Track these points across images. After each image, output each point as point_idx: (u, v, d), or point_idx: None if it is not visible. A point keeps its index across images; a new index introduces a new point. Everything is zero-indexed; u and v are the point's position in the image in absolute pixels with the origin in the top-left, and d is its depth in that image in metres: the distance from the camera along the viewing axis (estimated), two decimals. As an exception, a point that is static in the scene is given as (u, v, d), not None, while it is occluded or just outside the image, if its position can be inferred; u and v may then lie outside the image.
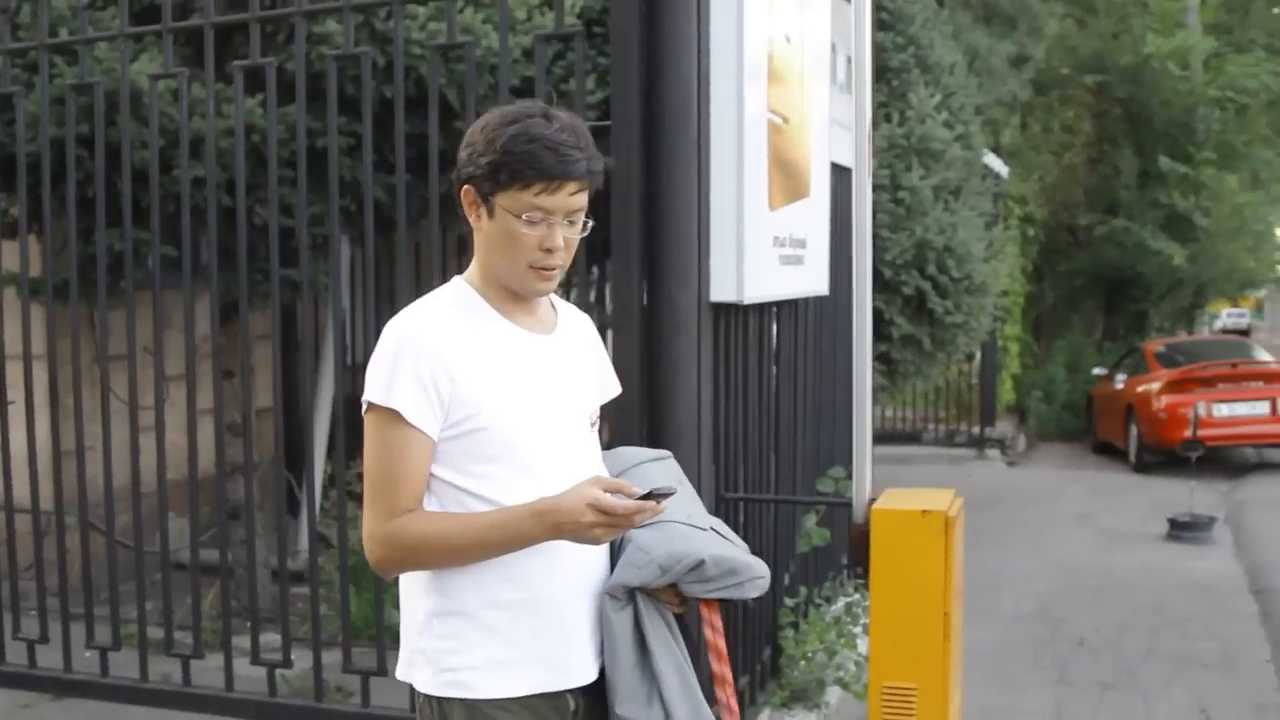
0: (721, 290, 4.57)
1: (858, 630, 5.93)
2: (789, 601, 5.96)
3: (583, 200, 2.63)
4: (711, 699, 2.85)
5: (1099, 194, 22.20)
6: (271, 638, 5.93)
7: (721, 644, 2.93)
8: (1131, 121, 22.17)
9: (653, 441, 4.44)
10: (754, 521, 5.49)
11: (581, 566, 2.70)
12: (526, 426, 2.64)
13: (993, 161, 15.49)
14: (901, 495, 4.49)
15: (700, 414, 4.49)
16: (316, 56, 5.61)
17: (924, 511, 4.10)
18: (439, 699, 2.66)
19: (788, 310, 5.63)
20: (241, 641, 5.60)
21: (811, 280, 5.53)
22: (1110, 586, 9.45)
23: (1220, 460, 17.46)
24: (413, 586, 2.72)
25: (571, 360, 2.81)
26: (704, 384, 4.50)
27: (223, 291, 5.50)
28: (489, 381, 2.61)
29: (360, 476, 2.79)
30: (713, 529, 2.86)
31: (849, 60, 6.73)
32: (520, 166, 2.55)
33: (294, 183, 5.31)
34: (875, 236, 7.76)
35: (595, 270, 7.87)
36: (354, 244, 7.61)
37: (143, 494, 5.46)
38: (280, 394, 5.24)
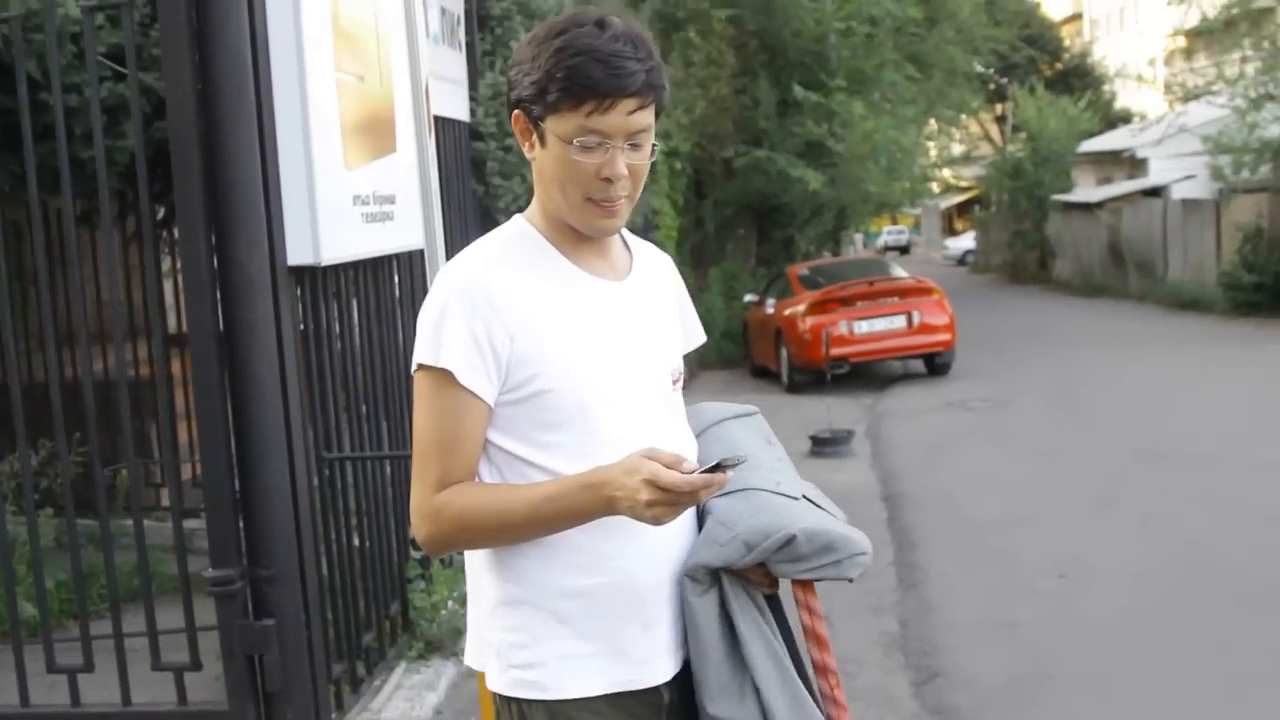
0: (298, 253, 4.57)
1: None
2: (415, 554, 6.02)
3: (646, 119, 2.27)
4: (815, 692, 2.49)
5: (744, 125, 22.82)
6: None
7: (822, 629, 2.54)
8: (768, 52, 22.84)
9: (236, 412, 4.44)
10: (370, 480, 5.53)
11: (665, 546, 2.38)
12: (599, 387, 2.33)
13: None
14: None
15: (285, 379, 4.49)
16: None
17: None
18: (516, 700, 2.37)
19: (385, 267, 5.66)
20: None
21: (405, 236, 5.57)
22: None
23: (868, 375, 18.35)
24: (478, 568, 2.42)
25: (650, 308, 2.50)
26: (287, 348, 4.50)
27: None
28: (554, 336, 2.30)
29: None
30: (805, 497, 2.50)
31: (442, 12, 6.79)
32: (568, 83, 2.21)
33: None
34: (485, 185, 7.85)
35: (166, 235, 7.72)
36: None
37: None
38: None
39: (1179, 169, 29.82)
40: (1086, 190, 36.44)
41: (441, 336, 2.25)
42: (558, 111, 2.23)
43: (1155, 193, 31.05)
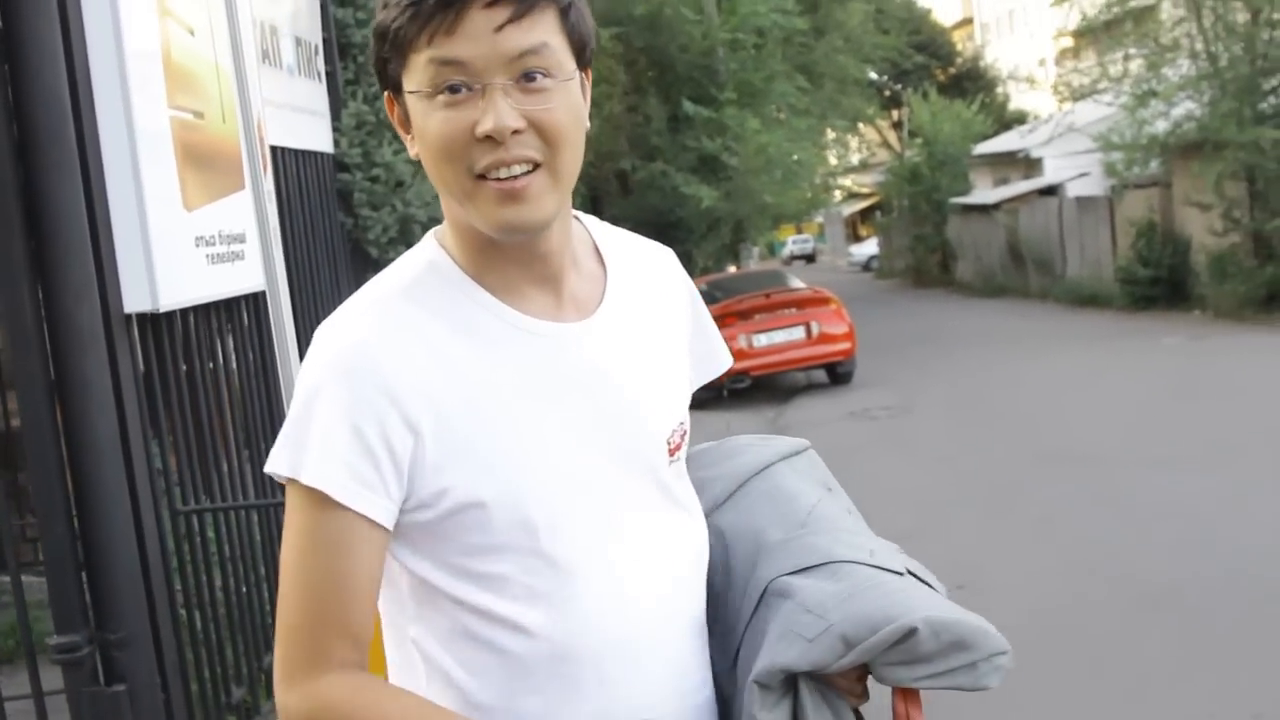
0: (135, 300, 4.39)
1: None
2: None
3: (531, 37, 1.56)
4: None
5: (638, 142, 22.81)
6: None
7: None
8: (657, 68, 22.87)
9: (74, 468, 4.24)
10: (236, 530, 5.33)
11: (653, 681, 1.73)
12: (551, 494, 1.66)
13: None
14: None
15: (126, 431, 4.30)
16: None
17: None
18: None
19: (240, 307, 5.48)
20: None
21: (259, 274, 5.39)
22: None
23: (770, 387, 18.35)
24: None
25: (634, 351, 1.77)
26: (126, 399, 4.31)
27: None
28: (480, 426, 1.63)
29: None
30: (910, 572, 1.79)
31: (298, 42, 6.62)
32: (402, 5, 1.57)
33: None
34: (354, 216, 7.68)
35: None
36: None
37: None
38: None
39: (1073, 167, 30.16)
40: (984, 192, 36.79)
41: (311, 437, 1.60)
42: (406, 58, 1.60)
43: (1051, 191, 31.39)
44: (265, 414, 5.71)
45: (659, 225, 23.61)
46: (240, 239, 5.20)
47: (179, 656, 4.66)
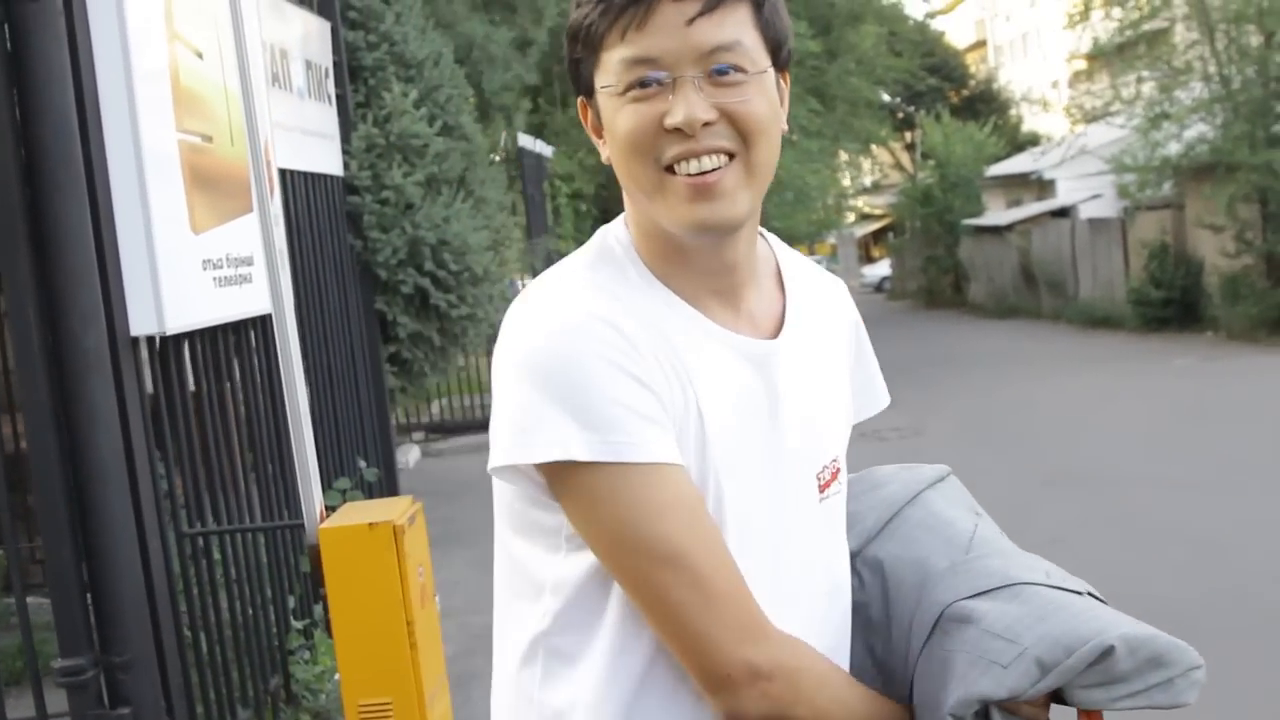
0: (141, 323, 4.40)
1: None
2: (297, 625, 5.84)
3: (724, 33, 1.52)
4: None
5: (651, 164, 22.83)
6: None
7: None
8: (666, 90, 22.87)
9: (80, 491, 4.24)
10: (240, 552, 5.34)
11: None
12: (735, 504, 1.61)
13: (532, 144, 15.71)
14: (356, 509, 4.46)
15: (132, 454, 4.30)
16: None
17: (371, 525, 4.06)
18: None
19: (249, 330, 5.49)
20: None
21: (264, 297, 5.39)
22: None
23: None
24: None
25: (808, 379, 1.72)
26: (132, 422, 4.31)
27: None
28: (689, 422, 1.58)
29: None
30: (1091, 593, 1.72)
31: (308, 66, 6.64)
32: (591, 4, 1.55)
33: None
34: (363, 239, 7.70)
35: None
36: None
37: None
38: None
39: (1085, 189, 30.13)
40: (997, 213, 36.75)
41: (592, 406, 1.49)
42: (598, 56, 1.56)
43: (1063, 213, 31.35)
44: (273, 436, 5.72)
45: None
46: (248, 262, 5.21)
47: (184, 679, 4.66)
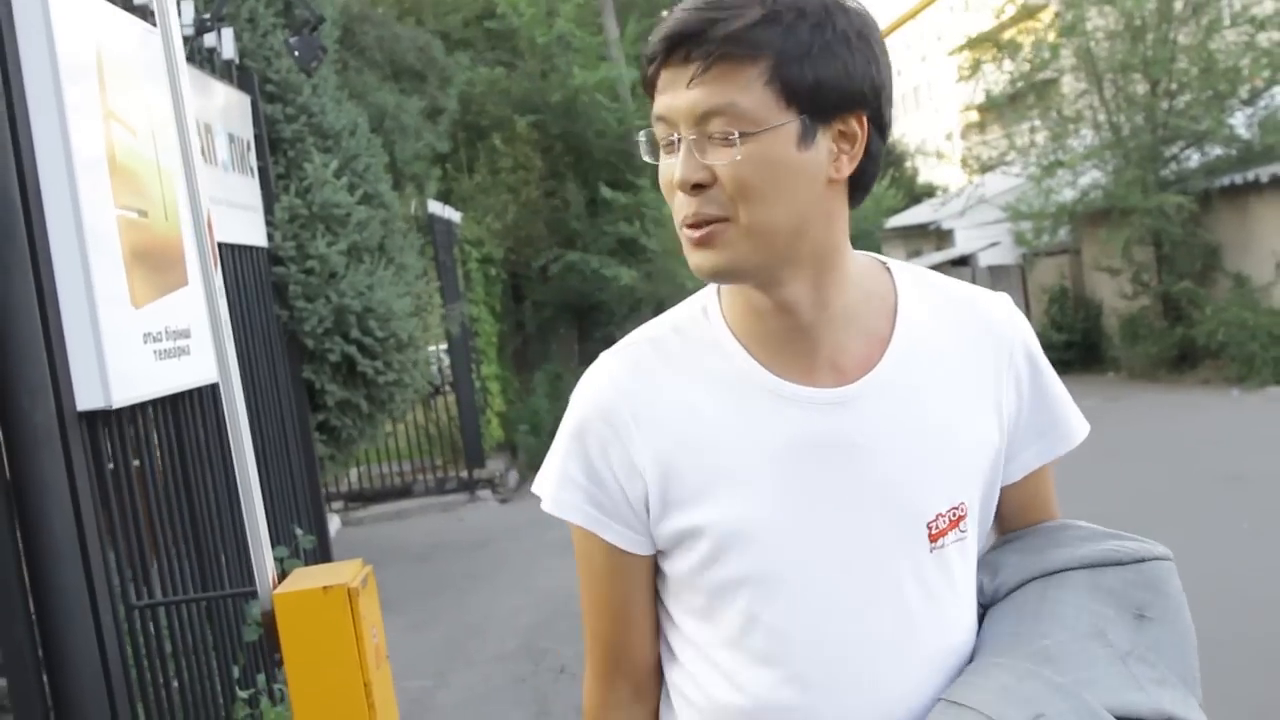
0: (88, 398, 4.43)
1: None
2: (242, 694, 5.82)
3: (716, 96, 1.52)
4: None
5: (556, 226, 22.95)
6: None
7: None
8: (574, 154, 23.04)
9: (31, 569, 4.24)
10: (186, 623, 5.33)
11: None
12: (779, 571, 1.63)
13: (441, 210, 15.79)
14: (307, 574, 4.48)
15: (83, 530, 4.32)
16: None
17: (325, 588, 4.09)
18: None
19: (187, 401, 5.51)
20: None
21: (203, 369, 5.44)
22: (588, 609, 9.77)
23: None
24: None
25: (897, 424, 1.64)
26: (83, 498, 4.33)
27: None
28: (702, 476, 1.64)
29: None
30: None
31: (230, 139, 6.69)
32: (645, 59, 1.62)
33: None
34: (289, 309, 7.72)
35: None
36: None
37: None
38: None
39: (984, 237, 30.70)
40: (898, 265, 37.17)
41: (552, 468, 1.76)
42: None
43: (964, 261, 31.90)
44: (220, 504, 5.73)
45: (580, 308, 23.75)
46: (186, 334, 5.25)
47: (138, 753, 4.65)
